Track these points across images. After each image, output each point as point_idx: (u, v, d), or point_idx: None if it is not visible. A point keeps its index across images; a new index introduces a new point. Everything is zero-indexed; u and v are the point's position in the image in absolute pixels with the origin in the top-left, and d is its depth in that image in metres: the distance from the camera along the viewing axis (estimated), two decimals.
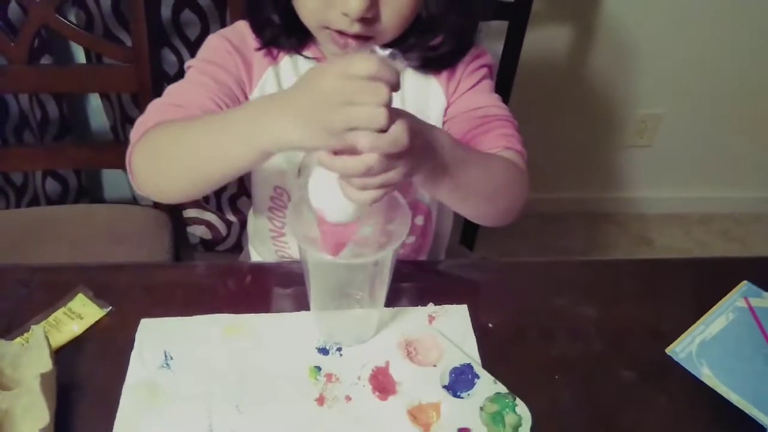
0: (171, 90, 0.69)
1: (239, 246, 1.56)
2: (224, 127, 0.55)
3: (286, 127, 0.49)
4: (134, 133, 0.65)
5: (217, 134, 0.55)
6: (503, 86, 1.20)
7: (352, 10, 0.59)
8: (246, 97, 0.71)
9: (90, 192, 1.59)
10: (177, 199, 0.64)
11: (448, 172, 0.57)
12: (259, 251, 0.89)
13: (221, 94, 0.67)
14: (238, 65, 0.71)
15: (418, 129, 0.51)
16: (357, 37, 0.63)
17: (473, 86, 0.74)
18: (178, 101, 0.66)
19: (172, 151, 0.60)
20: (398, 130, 0.47)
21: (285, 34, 0.70)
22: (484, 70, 0.75)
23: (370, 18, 0.61)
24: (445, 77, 0.74)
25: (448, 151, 0.57)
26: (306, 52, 0.72)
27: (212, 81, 0.68)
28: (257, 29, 0.71)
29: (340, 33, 0.63)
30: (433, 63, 0.72)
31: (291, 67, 0.73)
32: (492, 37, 1.38)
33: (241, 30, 0.73)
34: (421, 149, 0.52)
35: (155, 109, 0.66)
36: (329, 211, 0.53)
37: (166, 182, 0.63)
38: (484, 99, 0.74)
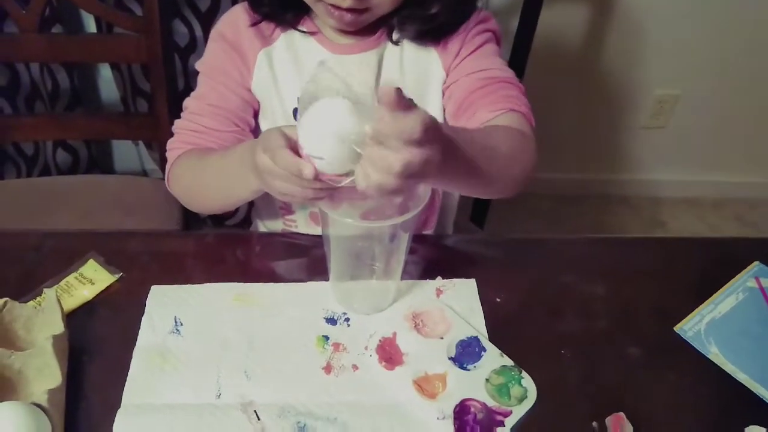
0: (189, 106, 0.75)
1: (248, 221, 1.56)
2: (227, 175, 0.66)
3: (257, 182, 0.59)
4: (168, 156, 0.75)
5: (223, 178, 0.67)
6: (517, 63, 1.19)
7: None
8: (249, 90, 0.75)
9: (100, 163, 1.60)
10: (212, 212, 0.74)
11: (456, 154, 0.54)
12: (267, 226, 0.89)
13: (231, 107, 0.74)
14: (238, 64, 0.73)
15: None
16: (351, 10, 0.63)
17: (475, 50, 0.73)
18: (198, 127, 0.73)
19: (194, 187, 0.73)
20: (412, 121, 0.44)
21: (281, 8, 0.71)
22: (487, 35, 0.74)
23: None
24: (445, 47, 0.72)
25: (450, 132, 0.54)
26: (301, 27, 0.73)
27: (220, 97, 0.73)
28: (254, 4, 0.71)
29: (335, 6, 0.63)
30: (430, 33, 0.71)
31: (285, 46, 0.73)
32: (507, 12, 1.36)
33: (235, 18, 0.74)
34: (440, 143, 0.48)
35: (179, 134, 0.74)
36: (328, 161, 0.49)
37: (196, 205, 0.76)
38: (487, 62, 0.72)
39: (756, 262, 0.72)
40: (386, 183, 0.45)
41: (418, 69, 0.73)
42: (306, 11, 0.72)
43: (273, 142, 0.52)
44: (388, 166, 0.44)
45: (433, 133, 0.45)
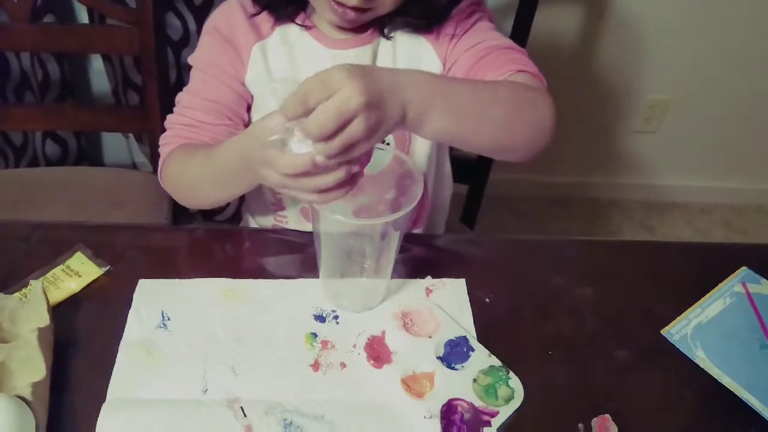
0: (182, 101, 0.74)
1: (238, 216, 1.56)
2: (220, 171, 0.65)
3: (253, 177, 0.57)
4: (161, 152, 0.73)
5: (216, 173, 0.65)
6: None
7: None
8: (243, 84, 0.74)
9: (89, 156, 1.58)
10: (204, 208, 0.73)
11: (437, 106, 0.54)
12: (258, 222, 0.89)
13: (225, 101, 0.73)
14: (231, 57, 0.73)
15: (370, 78, 0.49)
16: (356, 9, 0.63)
17: (469, 28, 0.72)
18: (191, 121, 0.72)
19: (187, 182, 0.71)
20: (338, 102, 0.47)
21: (282, 1, 0.70)
22: (478, 14, 0.74)
23: None
24: (438, 36, 0.72)
25: (427, 86, 0.54)
26: (298, 21, 0.72)
27: (214, 91, 0.73)
28: None
29: (339, 3, 0.63)
30: (423, 25, 0.71)
31: (279, 41, 0.73)
32: (501, 15, 1.36)
33: (229, 12, 0.73)
34: (383, 98, 0.49)
35: (172, 129, 0.73)
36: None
37: (189, 200, 0.75)
38: (483, 35, 0.72)
39: (743, 268, 0.72)
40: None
41: (411, 62, 0.73)
42: (302, 6, 0.71)
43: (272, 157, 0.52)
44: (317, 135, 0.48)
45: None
